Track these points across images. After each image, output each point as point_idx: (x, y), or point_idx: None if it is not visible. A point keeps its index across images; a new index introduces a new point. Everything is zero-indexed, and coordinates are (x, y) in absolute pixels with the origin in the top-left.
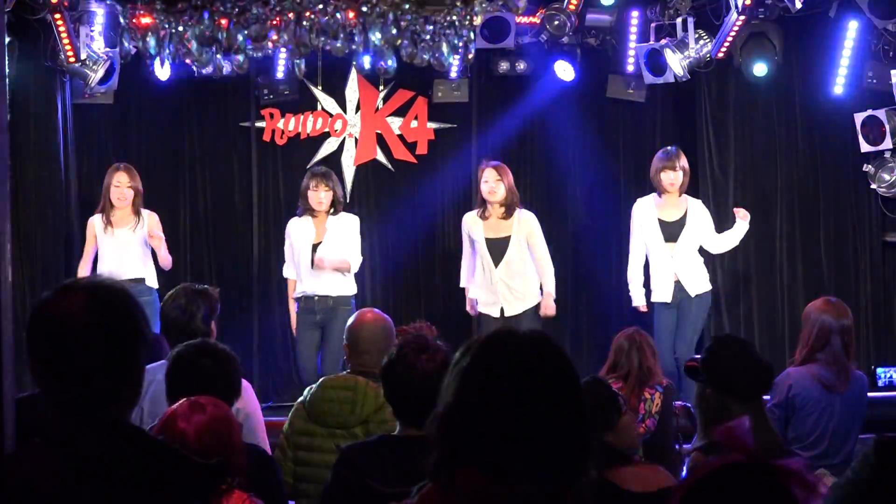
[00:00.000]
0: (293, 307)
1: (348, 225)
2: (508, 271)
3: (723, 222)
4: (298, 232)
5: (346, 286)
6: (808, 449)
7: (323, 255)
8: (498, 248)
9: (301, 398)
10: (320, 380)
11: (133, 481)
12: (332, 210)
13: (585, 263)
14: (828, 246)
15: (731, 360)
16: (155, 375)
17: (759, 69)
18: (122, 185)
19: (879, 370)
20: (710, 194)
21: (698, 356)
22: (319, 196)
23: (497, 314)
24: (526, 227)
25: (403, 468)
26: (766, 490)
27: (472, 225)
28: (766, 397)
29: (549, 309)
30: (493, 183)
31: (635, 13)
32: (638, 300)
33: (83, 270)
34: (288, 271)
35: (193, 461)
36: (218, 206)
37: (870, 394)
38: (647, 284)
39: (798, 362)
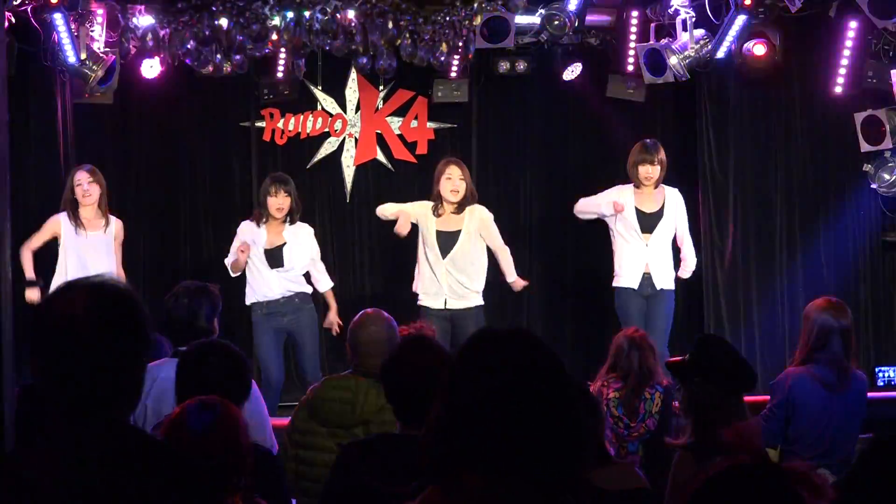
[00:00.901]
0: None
1: (306, 235)
2: (454, 265)
3: (721, 222)
4: (252, 235)
5: (306, 284)
6: (808, 449)
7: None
8: (447, 241)
9: (304, 397)
10: (323, 379)
11: (133, 482)
12: (287, 218)
13: (585, 263)
14: (828, 246)
15: (725, 354)
16: (157, 374)
17: (759, 50)
18: (83, 182)
19: (879, 370)
20: (710, 194)
21: (679, 357)
22: (279, 202)
23: (441, 305)
24: (477, 221)
25: (404, 467)
26: (774, 491)
27: (425, 216)
28: (767, 397)
29: (519, 283)
30: (457, 181)
31: (635, 13)
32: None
33: (27, 255)
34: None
35: (194, 462)
36: (218, 205)
37: (869, 394)
38: (611, 270)
39: (798, 362)
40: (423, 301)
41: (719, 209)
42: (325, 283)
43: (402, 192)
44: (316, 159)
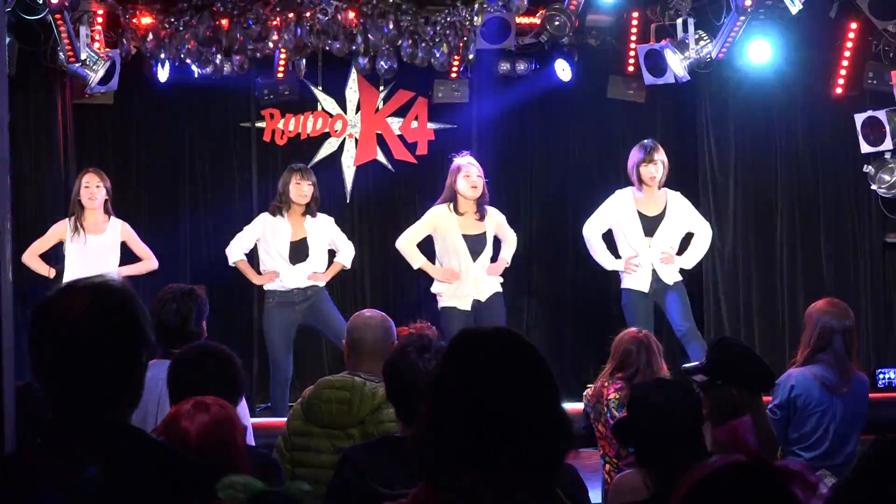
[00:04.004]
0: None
1: (328, 225)
2: (482, 268)
3: (722, 223)
4: (274, 228)
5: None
6: (809, 450)
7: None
8: (475, 245)
9: (299, 399)
10: (318, 380)
11: (134, 482)
12: (307, 211)
13: (585, 264)
14: (828, 246)
15: (743, 355)
16: None
17: (760, 55)
18: (91, 186)
19: (880, 371)
20: (710, 194)
21: (694, 364)
22: (303, 190)
23: (468, 307)
24: (495, 223)
25: (406, 469)
26: (768, 490)
27: (447, 220)
28: (769, 398)
29: (496, 270)
30: (476, 178)
31: (635, 13)
32: (613, 264)
33: (33, 259)
34: (234, 253)
35: (194, 463)
36: (218, 206)
37: (870, 395)
38: (611, 273)
39: (800, 363)
40: (449, 302)
41: (719, 209)
42: (343, 256)
43: (401, 193)
44: (316, 160)
